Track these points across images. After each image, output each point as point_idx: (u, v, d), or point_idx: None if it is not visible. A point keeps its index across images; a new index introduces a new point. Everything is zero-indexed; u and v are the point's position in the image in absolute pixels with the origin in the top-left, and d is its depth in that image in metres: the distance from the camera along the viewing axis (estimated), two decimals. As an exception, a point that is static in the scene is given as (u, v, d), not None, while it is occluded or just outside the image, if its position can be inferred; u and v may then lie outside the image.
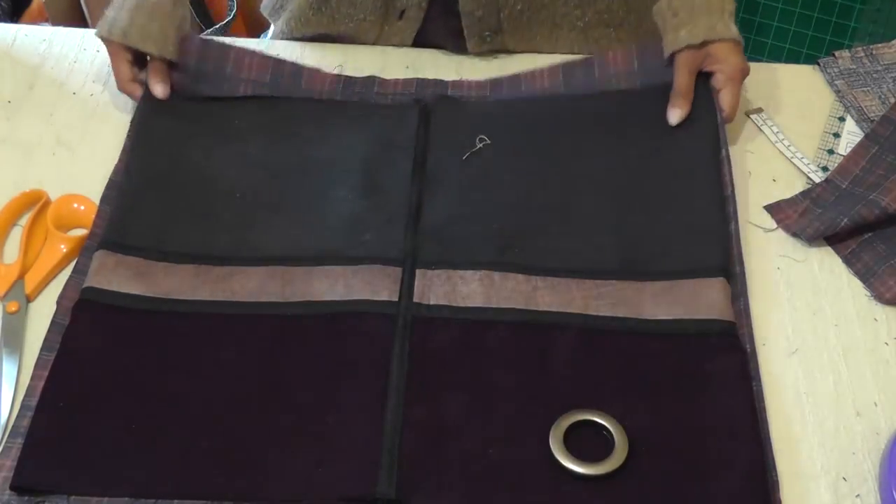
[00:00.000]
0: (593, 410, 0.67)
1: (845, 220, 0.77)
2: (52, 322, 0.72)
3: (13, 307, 0.73)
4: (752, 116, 0.89)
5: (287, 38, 0.99)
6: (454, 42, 0.95)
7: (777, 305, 0.76)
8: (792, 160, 0.86)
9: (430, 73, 0.90)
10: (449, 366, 0.69)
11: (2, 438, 0.66)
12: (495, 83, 0.89)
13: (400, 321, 0.71)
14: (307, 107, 0.87)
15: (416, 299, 0.73)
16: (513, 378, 0.69)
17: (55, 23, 1.51)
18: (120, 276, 0.73)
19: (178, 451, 0.65)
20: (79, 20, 1.52)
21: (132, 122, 0.85)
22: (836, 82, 0.92)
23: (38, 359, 0.70)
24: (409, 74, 0.90)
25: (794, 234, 0.80)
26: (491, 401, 0.68)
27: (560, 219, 0.79)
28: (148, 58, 0.85)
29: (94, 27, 0.87)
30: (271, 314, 0.72)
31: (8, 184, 0.82)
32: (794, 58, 1.88)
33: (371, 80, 0.89)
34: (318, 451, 0.65)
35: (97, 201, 0.79)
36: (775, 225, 0.81)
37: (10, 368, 0.70)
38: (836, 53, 0.94)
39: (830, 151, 0.87)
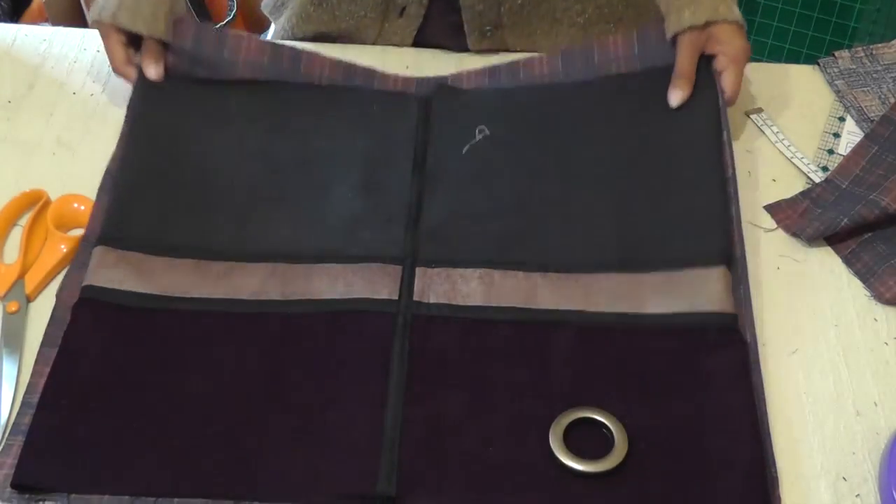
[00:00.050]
0: (593, 408, 0.67)
1: (845, 220, 0.77)
2: (52, 316, 0.72)
3: (13, 307, 0.73)
4: (752, 116, 0.89)
5: (287, 38, 0.99)
6: (454, 39, 0.95)
7: (777, 305, 0.76)
8: (792, 160, 0.86)
9: (430, 73, 0.90)
10: (449, 364, 0.69)
11: (2, 438, 0.66)
12: (493, 71, 0.88)
13: (400, 320, 0.71)
14: (306, 94, 0.86)
15: (416, 298, 0.73)
16: (512, 376, 0.69)
17: (55, 23, 1.51)
18: (120, 273, 0.73)
19: (178, 450, 0.65)
20: (79, 20, 1.53)
21: (129, 106, 0.84)
22: (836, 82, 0.92)
23: (39, 354, 0.70)
24: (409, 74, 0.90)
25: (794, 234, 0.80)
26: (491, 399, 0.68)
27: (560, 212, 0.78)
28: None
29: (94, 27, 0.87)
30: (272, 312, 0.72)
31: (8, 184, 0.82)
32: (794, 58, 1.88)
33: (371, 74, 0.88)
34: (318, 449, 0.65)
35: (97, 201, 0.79)
36: (775, 225, 0.81)
37: (10, 368, 0.70)
38: (836, 53, 0.94)
39: (830, 151, 0.87)
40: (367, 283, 0.73)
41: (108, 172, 0.80)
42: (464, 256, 0.75)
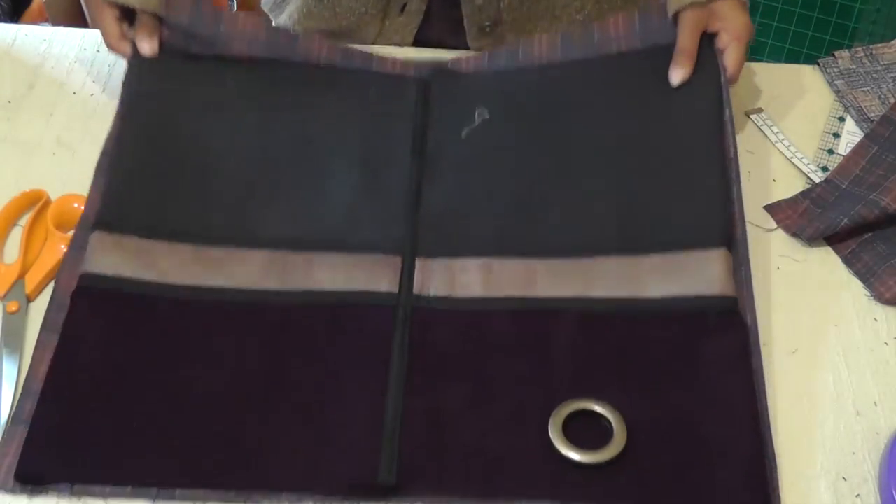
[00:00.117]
0: (591, 399, 0.67)
1: (845, 220, 0.77)
2: (52, 299, 0.72)
3: (13, 307, 0.73)
4: (752, 116, 0.89)
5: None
6: (454, 38, 0.95)
7: (777, 305, 0.76)
8: (792, 160, 0.86)
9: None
10: (449, 357, 0.70)
11: (2, 437, 0.66)
12: (493, 53, 0.87)
13: (400, 313, 0.71)
14: (303, 73, 0.84)
15: (416, 291, 0.73)
16: (512, 367, 0.69)
17: (55, 23, 1.51)
18: (118, 259, 0.72)
19: (179, 440, 0.65)
20: (79, 20, 1.52)
21: (123, 83, 0.82)
22: (836, 82, 0.92)
23: (38, 340, 0.70)
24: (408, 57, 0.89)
25: (794, 234, 0.80)
26: (490, 390, 0.68)
27: (560, 195, 0.78)
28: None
29: (94, 27, 0.87)
30: (272, 303, 0.72)
31: (8, 184, 0.82)
32: (794, 58, 1.88)
33: (369, 57, 0.86)
34: (319, 440, 0.66)
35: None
36: (775, 225, 0.81)
37: (10, 368, 0.70)
38: (836, 53, 0.94)
39: (830, 151, 0.87)
40: (368, 275, 0.73)
41: (104, 152, 0.79)
42: (463, 245, 0.75)
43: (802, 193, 0.83)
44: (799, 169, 0.85)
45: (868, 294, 0.77)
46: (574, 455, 0.64)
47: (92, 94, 0.90)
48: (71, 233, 0.78)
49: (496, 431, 0.66)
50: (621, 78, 0.84)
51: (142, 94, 0.82)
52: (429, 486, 0.64)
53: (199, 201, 0.77)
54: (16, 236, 0.78)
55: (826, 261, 0.79)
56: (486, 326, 0.71)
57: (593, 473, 0.64)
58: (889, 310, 0.76)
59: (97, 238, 0.73)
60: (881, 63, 0.93)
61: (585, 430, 0.66)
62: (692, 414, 0.66)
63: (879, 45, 0.95)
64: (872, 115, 0.88)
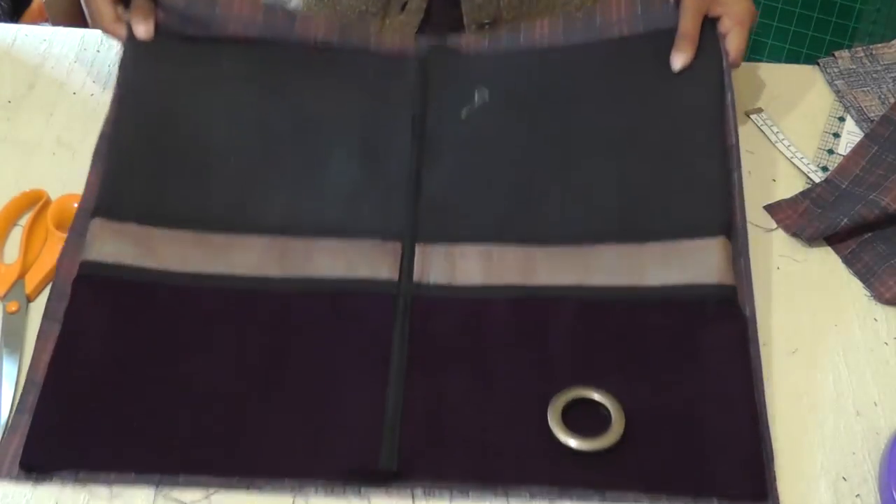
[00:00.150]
0: (590, 387, 0.67)
1: (845, 220, 0.77)
2: (53, 286, 0.72)
3: (13, 307, 0.73)
4: (752, 116, 0.89)
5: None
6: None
7: (777, 305, 0.76)
8: (792, 160, 0.86)
9: (429, 73, 0.90)
10: (448, 345, 0.70)
11: (2, 436, 0.66)
12: (494, 35, 0.86)
13: (400, 301, 0.72)
14: (301, 55, 0.84)
15: (416, 278, 0.73)
16: (511, 355, 0.69)
17: (55, 23, 1.51)
18: (118, 246, 0.72)
19: (181, 426, 0.65)
20: (79, 20, 1.52)
21: (119, 66, 0.82)
22: (836, 82, 0.92)
23: (40, 330, 0.70)
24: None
25: (794, 234, 0.80)
26: (490, 378, 0.68)
27: (560, 181, 0.78)
28: None
29: (94, 27, 0.87)
30: (273, 291, 0.72)
31: (8, 184, 0.82)
32: (794, 58, 1.88)
33: (367, 37, 0.85)
34: (320, 427, 0.66)
35: (97, 201, 0.79)
36: (775, 225, 0.81)
37: (10, 368, 0.70)
38: (836, 53, 0.94)
39: (830, 151, 0.87)
40: (368, 262, 0.73)
41: (102, 136, 0.79)
42: (463, 231, 0.75)
43: (802, 193, 0.83)
44: (799, 169, 0.85)
45: (868, 294, 0.77)
46: (573, 442, 0.65)
47: (92, 94, 0.90)
48: (71, 233, 0.79)
49: (496, 418, 0.66)
50: (623, 63, 0.83)
51: (138, 77, 0.81)
52: (429, 471, 0.65)
53: (198, 186, 0.77)
54: (16, 236, 0.78)
55: (826, 261, 0.79)
56: (485, 315, 0.71)
57: (592, 461, 0.64)
58: (889, 310, 0.76)
59: (97, 225, 0.73)
60: (881, 63, 0.93)
61: (584, 418, 0.66)
62: (690, 401, 0.67)
63: (879, 45, 0.95)
64: (872, 115, 0.88)
